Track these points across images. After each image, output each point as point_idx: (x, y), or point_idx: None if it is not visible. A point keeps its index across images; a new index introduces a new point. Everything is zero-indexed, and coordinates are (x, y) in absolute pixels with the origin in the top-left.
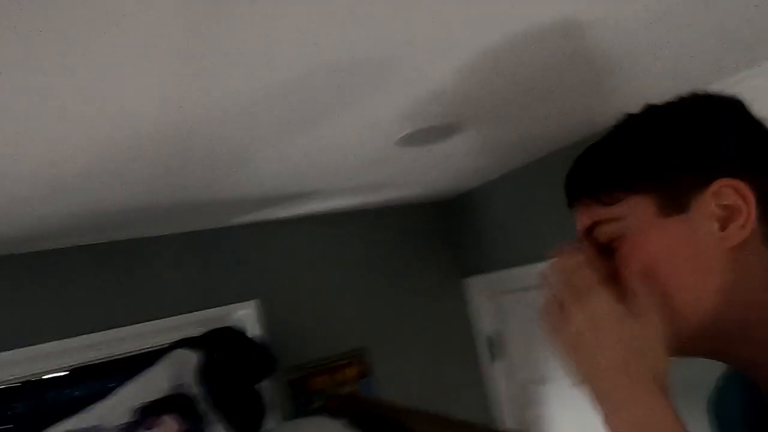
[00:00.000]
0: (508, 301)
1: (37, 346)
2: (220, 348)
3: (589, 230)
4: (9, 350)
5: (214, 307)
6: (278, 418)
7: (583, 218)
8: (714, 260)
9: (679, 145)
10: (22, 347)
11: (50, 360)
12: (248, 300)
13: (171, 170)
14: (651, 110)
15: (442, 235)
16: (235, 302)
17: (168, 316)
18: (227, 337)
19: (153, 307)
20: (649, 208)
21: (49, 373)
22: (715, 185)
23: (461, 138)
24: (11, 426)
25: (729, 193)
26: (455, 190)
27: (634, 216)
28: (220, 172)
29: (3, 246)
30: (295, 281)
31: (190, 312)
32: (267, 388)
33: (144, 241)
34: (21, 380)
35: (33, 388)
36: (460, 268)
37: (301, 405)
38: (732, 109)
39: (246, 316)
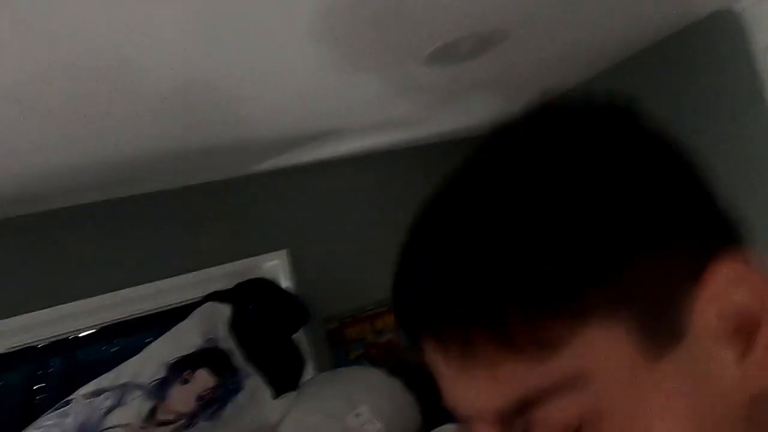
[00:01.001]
0: None
1: (68, 305)
2: (252, 300)
3: (506, 418)
4: (41, 309)
5: (243, 258)
6: (316, 369)
7: (477, 391)
8: (734, 422)
9: (640, 206)
10: (53, 306)
11: (81, 318)
12: (277, 250)
13: (197, 110)
14: (526, 144)
15: None
16: (264, 253)
17: (196, 270)
18: (258, 289)
19: (181, 262)
20: (622, 347)
21: (81, 332)
22: (713, 274)
23: (503, 50)
24: (44, 385)
25: (735, 284)
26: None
27: (602, 371)
28: (242, 109)
29: (33, 203)
30: (325, 229)
31: (219, 265)
32: (303, 339)
33: (170, 193)
34: (54, 339)
35: (66, 346)
36: None
37: (339, 355)
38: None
39: (276, 267)
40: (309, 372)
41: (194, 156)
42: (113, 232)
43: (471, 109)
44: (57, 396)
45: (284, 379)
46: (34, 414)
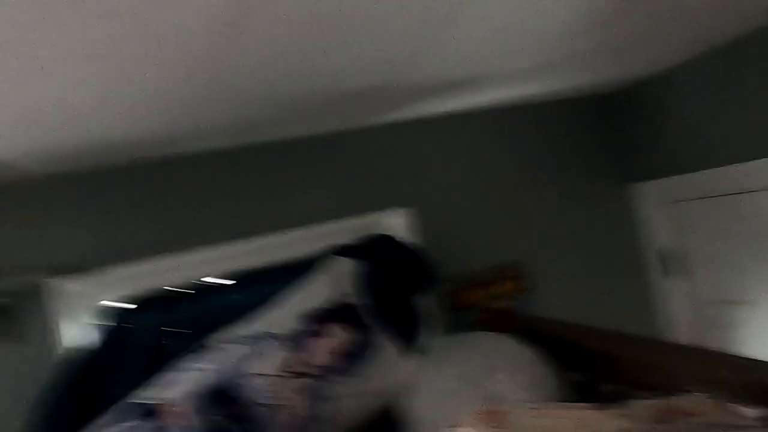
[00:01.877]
0: (691, 210)
1: (199, 251)
2: (379, 257)
3: None
4: (174, 254)
5: (364, 214)
6: (432, 332)
7: None
8: None
9: None
10: (186, 251)
11: (211, 265)
12: (398, 207)
13: (350, 46)
14: None
15: (606, 135)
16: (385, 209)
17: (319, 223)
18: (386, 246)
19: (304, 214)
20: None
21: (211, 278)
22: None
23: None
24: (173, 330)
25: None
26: (625, 80)
27: None
28: (393, 50)
29: (168, 146)
30: (446, 187)
31: (341, 219)
32: (420, 300)
33: (298, 141)
34: (186, 285)
35: (194, 293)
36: (628, 173)
37: (456, 319)
38: None
39: (396, 225)
40: (425, 335)
41: (331, 100)
42: (244, 181)
43: (616, 62)
44: (186, 341)
45: (405, 338)
46: (164, 356)
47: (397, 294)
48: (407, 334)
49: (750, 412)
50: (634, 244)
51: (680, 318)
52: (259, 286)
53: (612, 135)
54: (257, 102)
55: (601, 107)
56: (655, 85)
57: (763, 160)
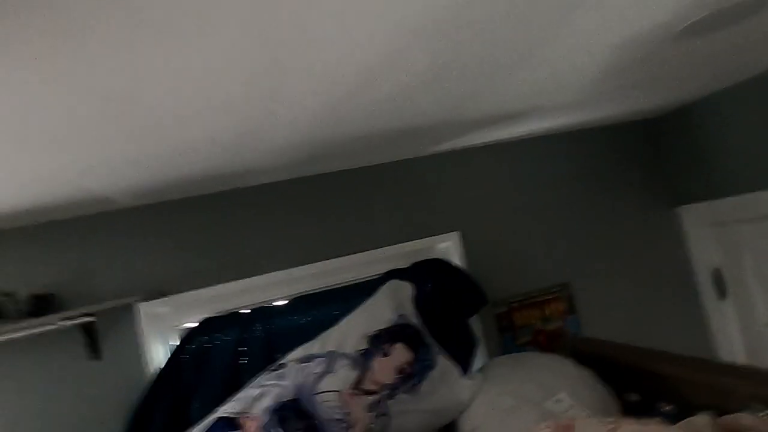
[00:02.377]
0: (741, 231)
1: (268, 275)
2: (433, 279)
3: None
4: (246, 278)
5: (417, 239)
6: (486, 352)
7: None
8: None
9: None
10: (256, 275)
11: (280, 288)
12: (450, 232)
13: (436, 87)
14: None
15: (653, 159)
16: (436, 234)
17: (375, 248)
18: (438, 268)
19: (362, 240)
20: None
21: (277, 301)
22: None
23: (749, 24)
24: (246, 349)
25: None
26: (668, 106)
27: None
28: (472, 88)
29: (238, 179)
30: (496, 212)
31: (395, 244)
32: (474, 320)
33: (353, 173)
34: (254, 307)
35: (265, 315)
36: (676, 196)
37: (507, 339)
38: None
39: (448, 249)
40: (480, 355)
41: (394, 135)
42: (308, 210)
43: (658, 92)
44: (258, 359)
45: (459, 358)
46: (238, 373)
47: (451, 314)
48: (463, 353)
49: None
50: (685, 266)
51: (734, 339)
52: (324, 308)
53: (659, 158)
54: (331, 142)
55: (648, 132)
56: (700, 110)
57: None
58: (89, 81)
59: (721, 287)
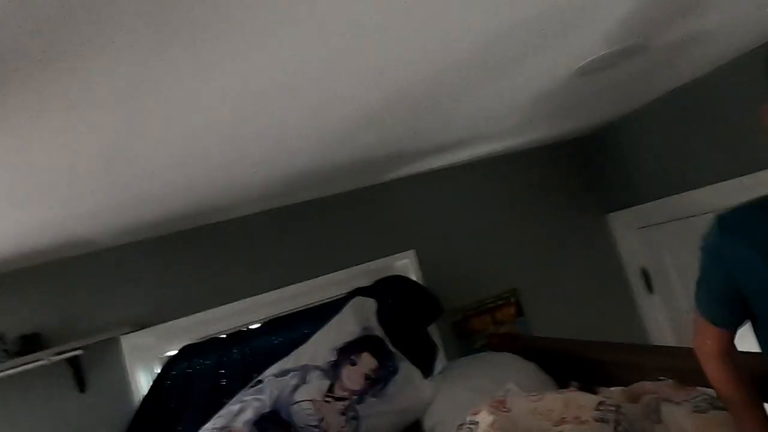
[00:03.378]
0: (660, 232)
1: (242, 301)
2: (393, 294)
3: None
4: (220, 306)
5: (377, 259)
6: (446, 356)
7: None
8: None
9: None
10: (231, 302)
11: (253, 312)
12: (406, 250)
13: (393, 120)
14: None
15: (583, 173)
16: (395, 253)
17: (340, 269)
18: (397, 284)
19: (327, 263)
20: None
21: (252, 324)
22: None
23: (638, 60)
24: (225, 371)
25: None
26: (594, 126)
27: None
28: (421, 124)
29: (213, 214)
30: (447, 229)
31: (357, 265)
32: (433, 329)
33: (317, 201)
34: (232, 331)
35: (241, 338)
36: (605, 204)
37: (464, 345)
38: None
39: (405, 266)
40: (440, 359)
41: (355, 166)
42: (276, 239)
43: (581, 115)
44: (238, 379)
45: (421, 364)
46: (220, 394)
47: (411, 325)
48: (424, 359)
49: (700, 389)
50: (617, 266)
51: (663, 328)
52: (296, 327)
53: (589, 172)
54: (292, 176)
55: (578, 149)
56: (619, 128)
57: (716, 184)
58: (87, 141)
59: (648, 283)
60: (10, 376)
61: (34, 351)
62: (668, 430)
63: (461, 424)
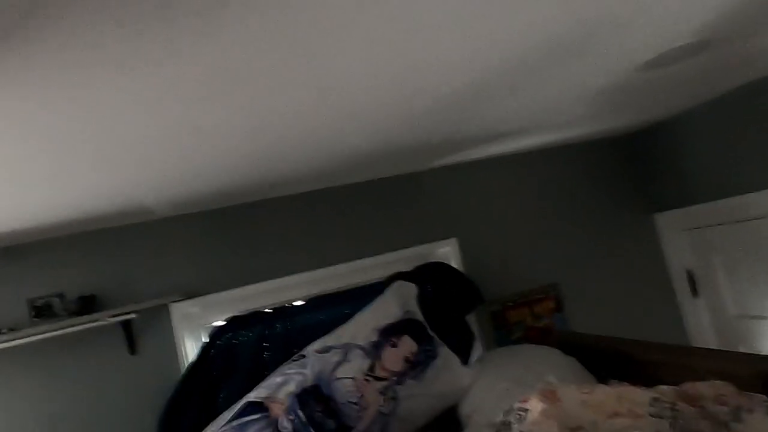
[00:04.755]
0: (712, 235)
1: (287, 278)
2: (434, 280)
3: None
4: (268, 281)
5: (419, 245)
6: (483, 346)
7: None
8: None
9: None
10: (277, 278)
11: (298, 289)
12: (448, 238)
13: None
14: None
15: (631, 170)
16: (437, 240)
17: (382, 253)
18: (439, 271)
19: (370, 246)
20: None
21: (295, 301)
22: None
23: (703, 57)
24: (268, 344)
25: None
26: (647, 123)
27: None
28: (472, 112)
29: (254, 194)
30: (491, 220)
31: (399, 250)
32: (471, 318)
33: (363, 185)
34: (275, 306)
35: (285, 313)
36: (652, 204)
37: (501, 335)
38: None
39: (447, 253)
40: (477, 347)
41: (401, 151)
42: (323, 219)
43: (637, 111)
44: (279, 353)
45: (459, 351)
46: (262, 366)
47: (451, 311)
48: (462, 347)
49: (757, 396)
50: (662, 267)
51: (706, 333)
52: (337, 307)
53: (638, 170)
54: (346, 157)
55: (628, 146)
56: (672, 127)
57: None
58: (168, 108)
59: (693, 286)
60: (67, 335)
61: (90, 312)
62: None
63: (508, 411)
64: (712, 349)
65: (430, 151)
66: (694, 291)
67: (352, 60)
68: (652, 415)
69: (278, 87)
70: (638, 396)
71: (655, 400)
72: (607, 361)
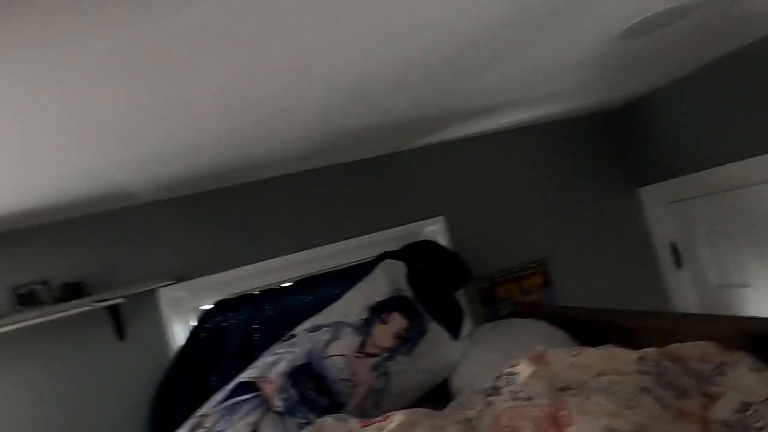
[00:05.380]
0: (693, 206)
1: (275, 259)
2: (422, 258)
3: None
4: (254, 263)
5: (406, 224)
6: (472, 322)
7: None
8: None
9: None
10: (263, 260)
11: (284, 271)
12: (436, 217)
13: (418, 85)
14: None
15: (614, 146)
16: (424, 219)
17: (370, 233)
18: (427, 249)
19: (358, 226)
20: None
21: (284, 283)
22: None
23: (686, 23)
24: (258, 326)
25: None
26: (628, 98)
27: None
28: (451, 86)
29: (249, 173)
30: (477, 197)
31: (387, 229)
32: (460, 295)
33: (349, 166)
34: (264, 288)
35: (274, 295)
36: (636, 178)
37: (490, 311)
38: None
39: (435, 232)
40: (466, 325)
41: (387, 128)
42: (310, 200)
43: (618, 85)
44: (269, 334)
45: (448, 327)
46: (253, 347)
47: (440, 289)
48: (452, 323)
49: (739, 353)
50: (646, 240)
51: (690, 302)
52: (325, 287)
53: (621, 145)
54: (330, 134)
55: (610, 122)
56: (652, 101)
57: (750, 159)
58: (160, 87)
59: (677, 257)
60: (53, 321)
61: (76, 298)
62: (735, 388)
63: (498, 376)
64: (694, 314)
65: (414, 129)
66: (678, 262)
67: (337, 28)
68: (638, 373)
69: (261, 55)
70: (625, 356)
71: (641, 359)
72: (594, 331)
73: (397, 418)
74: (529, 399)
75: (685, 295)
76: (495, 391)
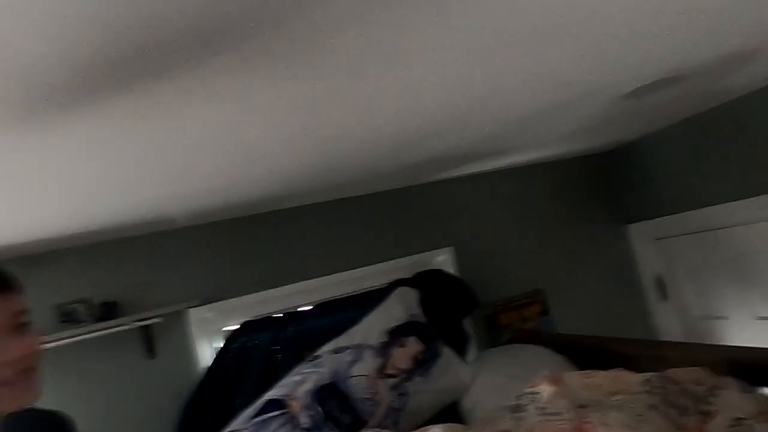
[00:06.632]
0: (678, 244)
1: (296, 284)
2: (433, 286)
3: None
4: (277, 287)
5: (417, 253)
6: (477, 347)
7: None
8: None
9: None
10: (287, 284)
11: (306, 295)
12: (445, 247)
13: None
14: None
15: (606, 185)
16: (434, 249)
17: (384, 261)
18: (438, 278)
19: (372, 255)
20: None
21: (302, 306)
22: None
23: (682, 86)
24: (279, 347)
25: None
26: (620, 142)
27: None
28: (465, 132)
29: (266, 205)
30: (483, 230)
31: (399, 258)
32: (466, 321)
33: (366, 197)
34: (284, 311)
35: (294, 318)
36: (625, 216)
37: (493, 337)
38: None
39: (444, 261)
40: (471, 350)
41: (404, 167)
42: (329, 229)
43: (612, 132)
44: (290, 355)
45: (456, 352)
46: (274, 368)
47: (449, 316)
48: (458, 347)
49: (727, 377)
50: (634, 274)
51: (673, 332)
52: (342, 311)
53: (611, 184)
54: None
55: (602, 164)
56: (642, 145)
57: (730, 203)
58: (211, 125)
59: (662, 290)
60: (91, 339)
61: (111, 317)
62: (727, 406)
63: (520, 395)
64: (684, 342)
65: (436, 165)
66: (663, 295)
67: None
68: (645, 392)
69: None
70: (631, 378)
71: (646, 380)
72: (590, 357)
73: (436, 431)
74: (555, 414)
75: (670, 325)
76: (519, 408)
